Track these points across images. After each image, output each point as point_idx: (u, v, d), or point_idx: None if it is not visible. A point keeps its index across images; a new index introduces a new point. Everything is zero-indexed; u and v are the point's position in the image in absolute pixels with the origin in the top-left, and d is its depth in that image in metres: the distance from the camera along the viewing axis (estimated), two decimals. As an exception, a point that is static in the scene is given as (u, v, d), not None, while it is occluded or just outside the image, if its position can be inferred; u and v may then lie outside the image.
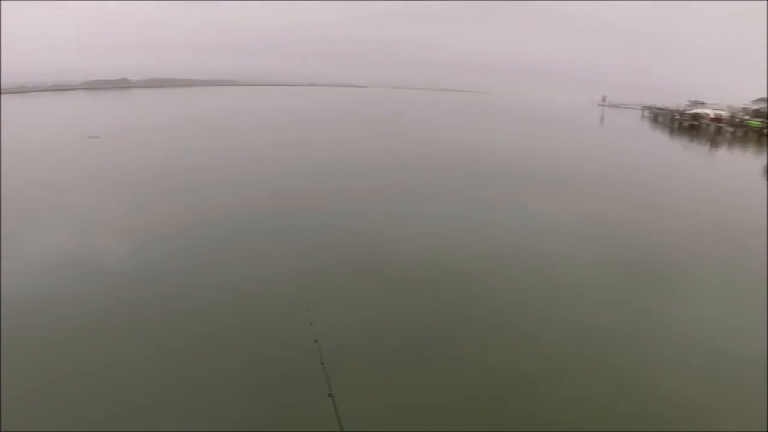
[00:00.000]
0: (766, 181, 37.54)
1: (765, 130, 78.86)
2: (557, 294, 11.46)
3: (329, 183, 23.09)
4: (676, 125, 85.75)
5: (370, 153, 34.28)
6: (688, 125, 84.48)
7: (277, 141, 36.46)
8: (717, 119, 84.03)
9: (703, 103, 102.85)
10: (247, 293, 10.81)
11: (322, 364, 4.51)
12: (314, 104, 73.32)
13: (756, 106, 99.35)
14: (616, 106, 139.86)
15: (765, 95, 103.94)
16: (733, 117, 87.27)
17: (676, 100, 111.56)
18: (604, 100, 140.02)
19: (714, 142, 65.23)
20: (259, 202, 19.16)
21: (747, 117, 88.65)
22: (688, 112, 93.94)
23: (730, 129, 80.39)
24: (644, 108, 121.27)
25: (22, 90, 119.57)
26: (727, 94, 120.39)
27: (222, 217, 16.63)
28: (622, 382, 8.06)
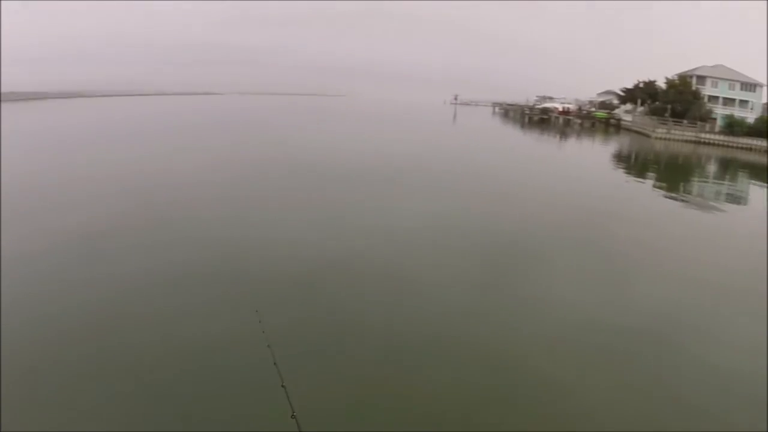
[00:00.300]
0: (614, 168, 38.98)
1: (611, 121, 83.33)
2: (433, 286, 11.76)
3: (176, 194, 20.15)
4: (526, 119, 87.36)
5: (224, 160, 29.99)
6: (538, 119, 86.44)
7: (128, 152, 30.97)
8: (565, 112, 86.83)
9: (551, 98, 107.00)
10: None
11: (283, 386, 4.40)
12: (165, 113, 66.66)
13: (601, 99, 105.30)
14: (468, 104, 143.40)
15: (608, 88, 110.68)
16: (580, 110, 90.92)
17: (525, 95, 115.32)
18: (456, 99, 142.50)
19: (563, 134, 66.49)
20: (117, 217, 16.51)
21: (593, 109, 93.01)
22: (537, 106, 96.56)
23: (578, 121, 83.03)
24: (495, 104, 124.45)
25: None
26: (572, 89, 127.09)
27: (92, 234, 14.52)
28: (496, 363, 8.59)
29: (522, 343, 9.39)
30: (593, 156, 47.40)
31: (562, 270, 13.57)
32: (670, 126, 64.57)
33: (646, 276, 13.73)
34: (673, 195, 28.29)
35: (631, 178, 33.64)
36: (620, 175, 35.55)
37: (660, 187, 30.61)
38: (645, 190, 29.80)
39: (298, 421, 3.98)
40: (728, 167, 45.27)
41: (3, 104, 57.92)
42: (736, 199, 29.35)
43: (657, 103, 75.38)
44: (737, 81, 74.97)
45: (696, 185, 33.19)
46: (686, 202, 26.27)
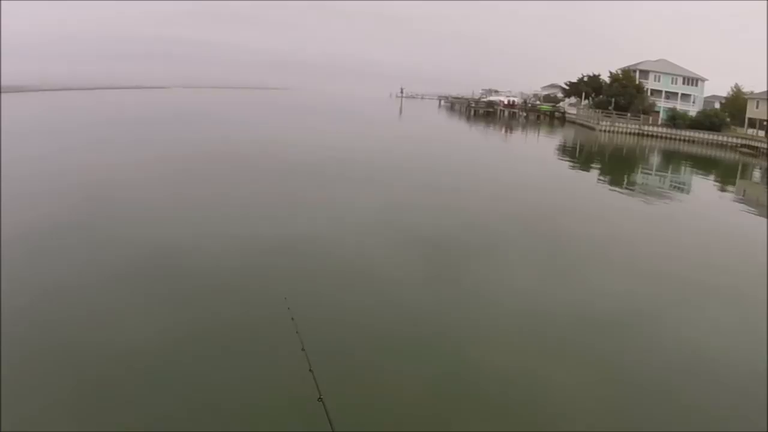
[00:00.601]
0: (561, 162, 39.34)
1: (556, 114, 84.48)
2: (386, 282, 11.69)
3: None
4: (472, 113, 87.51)
5: (172, 154, 28.27)
6: (484, 112, 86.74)
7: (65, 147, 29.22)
8: (510, 105, 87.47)
9: (496, 91, 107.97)
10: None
11: (310, 371, 4.58)
12: (107, 107, 63.35)
13: (546, 92, 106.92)
14: (414, 97, 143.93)
15: (553, 82, 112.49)
16: (525, 103, 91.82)
17: (470, 89, 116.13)
18: (402, 92, 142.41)
19: (509, 127, 66.87)
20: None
21: (538, 102, 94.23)
22: (483, 99, 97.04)
23: (523, 114, 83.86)
24: (441, 97, 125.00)
25: None
26: (517, 83, 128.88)
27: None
28: (456, 355, 8.70)
29: (477, 335, 9.54)
30: (540, 148, 47.63)
31: (514, 263, 13.54)
32: (614, 119, 65.68)
33: (597, 266, 13.77)
34: (618, 186, 28.60)
35: (578, 170, 33.72)
36: (567, 166, 35.63)
37: (605, 180, 30.76)
38: (590, 181, 29.87)
39: (325, 404, 4.10)
40: (671, 159, 46.09)
41: None
42: (681, 189, 29.60)
43: (601, 96, 76.65)
44: (679, 75, 77.02)
45: (641, 176, 33.49)
46: (632, 192, 26.45)
